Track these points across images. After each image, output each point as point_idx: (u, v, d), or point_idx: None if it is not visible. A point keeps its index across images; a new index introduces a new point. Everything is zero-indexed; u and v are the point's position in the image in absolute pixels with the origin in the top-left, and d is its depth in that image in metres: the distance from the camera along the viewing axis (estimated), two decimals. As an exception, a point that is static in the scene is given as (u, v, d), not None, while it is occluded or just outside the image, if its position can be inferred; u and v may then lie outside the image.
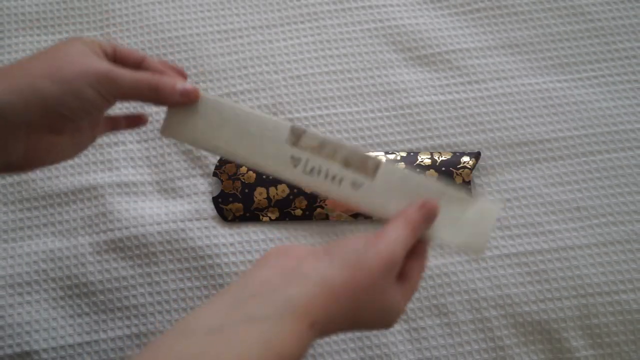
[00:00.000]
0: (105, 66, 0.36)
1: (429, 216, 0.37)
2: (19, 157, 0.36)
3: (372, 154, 0.39)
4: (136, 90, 0.37)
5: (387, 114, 0.61)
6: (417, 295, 0.55)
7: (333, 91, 0.61)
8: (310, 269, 0.33)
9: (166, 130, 0.40)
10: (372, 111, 0.61)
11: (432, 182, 0.39)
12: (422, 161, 0.58)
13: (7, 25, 0.64)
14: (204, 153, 0.59)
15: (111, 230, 0.57)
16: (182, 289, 0.55)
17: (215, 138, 0.40)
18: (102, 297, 0.55)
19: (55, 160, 0.39)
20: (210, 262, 0.56)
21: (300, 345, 0.31)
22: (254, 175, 0.58)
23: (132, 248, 0.56)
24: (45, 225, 0.58)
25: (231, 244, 0.56)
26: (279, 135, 0.39)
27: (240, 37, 0.64)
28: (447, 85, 0.62)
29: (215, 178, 0.59)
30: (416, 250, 0.38)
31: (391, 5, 0.65)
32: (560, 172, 0.58)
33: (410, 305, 0.54)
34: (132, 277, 0.56)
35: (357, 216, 0.57)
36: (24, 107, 0.34)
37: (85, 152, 0.60)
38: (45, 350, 0.54)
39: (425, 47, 0.63)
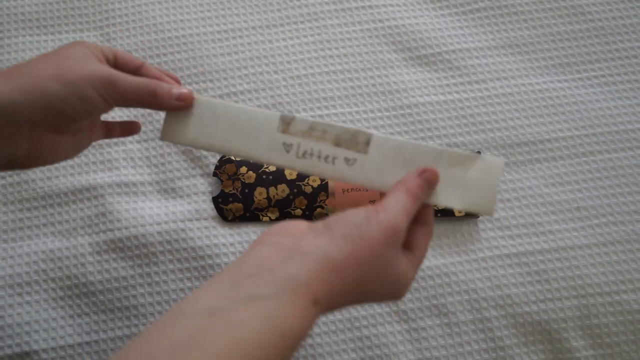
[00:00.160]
0: (107, 70, 0.38)
1: (429, 182, 0.37)
2: (22, 155, 0.38)
3: (363, 129, 0.39)
4: (136, 95, 0.39)
5: (387, 114, 0.61)
6: (417, 295, 0.55)
7: (333, 91, 0.61)
8: (309, 245, 0.33)
9: (165, 135, 0.42)
10: (372, 111, 0.61)
11: (427, 146, 0.38)
12: (422, 161, 0.58)
13: (7, 25, 0.64)
14: (204, 153, 0.59)
15: (111, 230, 0.57)
16: (182, 289, 0.55)
17: (210, 136, 0.41)
18: (102, 297, 0.55)
19: (56, 159, 0.41)
20: (210, 262, 0.56)
21: (303, 322, 0.31)
22: (254, 175, 0.58)
23: (132, 248, 0.56)
24: (45, 225, 0.58)
25: (231, 244, 0.56)
26: (270, 125, 0.40)
27: (240, 37, 0.64)
28: (447, 85, 0.62)
29: (215, 178, 0.59)
30: (420, 217, 0.37)
31: (391, 5, 0.65)
32: (560, 172, 0.58)
33: (410, 305, 0.54)
34: (132, 277, 0.56)
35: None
36: (29, 107, 0.36)
37: (85, 152, 0.60)
38: (45, 350, 0.54)
39: (425, 47, 0.63)
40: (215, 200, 0.58)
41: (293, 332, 0.30)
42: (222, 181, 0.58)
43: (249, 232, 0.57)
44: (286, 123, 0.40)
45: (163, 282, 0.55)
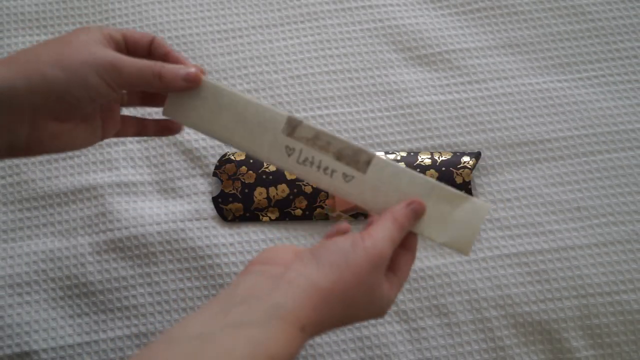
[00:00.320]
0: (110, 55, 0.37)
1: (416, 213, 0.38)
2: (22, 142, 0.37)
3: (366, 148, 0.39)
4: (141, 78, 0.38)
5: (387, 114, 0.61)
6: (417, 295, 0.55)
7: (333, 91, 0.61)
8: (296, 274, 0.34)
9: (168, 110, 0.41)
10: (372, 111, 0.61)
11: (422, 179, 0.39)
12: (422, 161, 0.58)
13: (7, 24, 0.64)
14: (204, 153, 0.59)
15: (111, 230, 0.57)
16: (182, 289, 0.55)
17: (212, 122, 0.41)
18: (102, 297, 0.55)
19: (60, 148, 0.40)
20: (210, 262, 0.56)
21: (291, 348, 0.32)
22: (254, 175, 0.58)
23: (131, 248, 0.56)
24: (44, 225, 0.58)
25: (231, 244, 0.56)
26: (275, 125, 0.40)
27: (240, 37, 0.64)
28: (447, 85, 0.62)
29: (215, 178, 0.59)
30: (406, 244, 0.39)
31: (391, 5, 0.65)
32: (560, 172, 0.58)
33: (410, 305, 0.54)
34: (132, 277, 0.56)
35: (357, 216, 0.57)
36: (29, 92, 0.35)
37: (85, 152, 0.60)
38: (45, 350, 0.53)
39: (425, 47, 0.63)
40: (215, 200, 0.58)
41: (280, 356, 0.31)
42: (222, 181, 0.58)
43: (249, 232, 0.57)
44: (292, 127, 0.40)
45: (163, 282, 0.55)
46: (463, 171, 0.57)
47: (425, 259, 0.56)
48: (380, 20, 0.64)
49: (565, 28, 0.64)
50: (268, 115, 0.40)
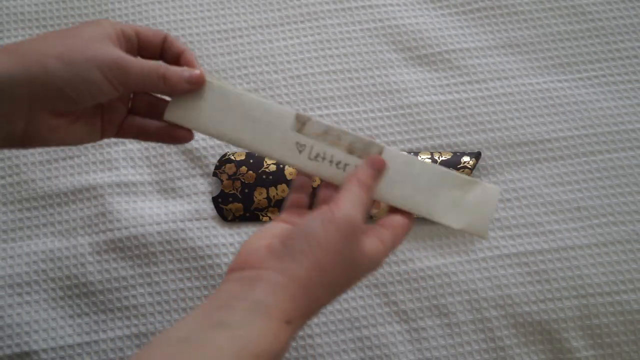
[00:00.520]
0: (116, 53, 0.37)
1: (379, 169, 0.38)
2: (19, 132, 0.37)
3: (376, 140, 0.40)
4: (146, 79, 0.37)
5: (387, 114, 0.61)
6: (417, 295, 0.55)
7: (333, 91, 0.61)
8: (272, 270, 0.33)
9: (170, 114, 0.40)
10: (372, 111, 0.61)
11: (433, 167, 0.39)
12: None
13: (7, 24, 0.64)
14: (204, 153, 0.59)
15: (111, 230, 0.57)
16: (182, 289, 0.55)
17: (220, 124, 0.40)
18: (102, 297, 0.55)
19: (57, 142, 0.39)
20: (210, 262, 0.56)
21: (276, 341, 0.31)
22: (254, 175, 0.58)
23: (131, 248, 0.56)
24: (44, 225, 0.57)
25: (231, 244, 0.56)
26: (284, 122, 0.40)
27: (240, 36, 0.64)
28: (447, 85, 0.62)
29: (215, 178, 0.59)
30: (405, 213, 0.39)
31: (391, 5, 0.65)
32: (560, 172, 0.58)
33: (410, 305, 0.54)
34: (132, 277, 0.56)
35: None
36: (28, 83, 0.35)
37: (85, 152, 0.60)
38: (45, 350, 0.53)
39: (425, 47, 0.63)
40: (215, 200, 0.58)
41: (266, 351, 0.31)
42: (222, 181, 0.58)
43: (249, 232, 0.57)
44: (301, 123, 0.39)
45: (163, 282, 0.55)
46: (463, 171, 0.57)
47: (425, 259, 0.56)
48: (380, 20, 0.64)
49: (565, 28, 0.64)
50: (276, 113, 0.40)
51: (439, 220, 0.39)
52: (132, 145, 0.60)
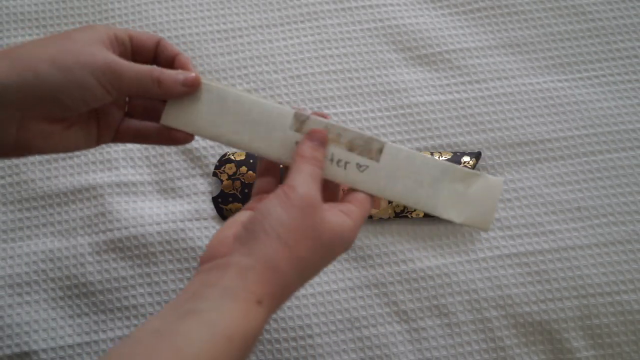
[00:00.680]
0: (109, 57, 0.36)
1: (320, 140, 0.38)
2: (11, 140, 0.36)
3: (377, 136, 0.39)
4: (140, 83, 0.37)
5: (387, 113, 0.61)
6: (417, 295, 0.55)
7: (333, 91, 0.61)
8: (239, 256, 0.34)
9: (167, 118, 0.40)
10: (372, 111, 0.61)
11: (435, 161, 0.39)
12: (422, 161, 0.58)
13: (7, 24, 0.64)
14: (204, 153, 0.59)
15: (110, 230, 0.57)
16: (181, 289, 0.55)
17: (218, 126, 0.39)
18: (101, 297, 0.55)
19: (51, 149, 0.38)
20: (210, 262, 0.56)
21: (249, 323, 0.32)
22: (254, 175, 0.58)
23: (131, 248, 0.56)
24: (44, 225, 0.57)
25: (231, 244, 0.56)
26: (283, 122, 0.39)
27: (240, 36, 0.64)
28: (447, 85, 0.62)
29: (215, 178, 0.59)
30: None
31: (391, 5, 0.65)
32: (560, 172, 0.58)
33: (410, 305, 0.54)
34: (132, 277, 0.56)
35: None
36: (20, 90, 0.34)
37: (85, 152, 0.60)
38: (44, 350, 0.53)
39: (425, 47, 0.63)
40: (215, 200, 0.58)
41: (239, 333, 0.31)
42: (222, 181, 0.58)
43: (249, 232, 0.57)
44: (300, 122, 0.39)
45: (163, 282, 0.55)
46: (463, 171, 0.57)
47: (425, 259, 0.56)
48: (380, 20, 0.64)
49: (566, 28, 0.64)
50: (275, 112, 0.39)
51: (440, 214, 0.39)
52: (132, 145, 0.60)
